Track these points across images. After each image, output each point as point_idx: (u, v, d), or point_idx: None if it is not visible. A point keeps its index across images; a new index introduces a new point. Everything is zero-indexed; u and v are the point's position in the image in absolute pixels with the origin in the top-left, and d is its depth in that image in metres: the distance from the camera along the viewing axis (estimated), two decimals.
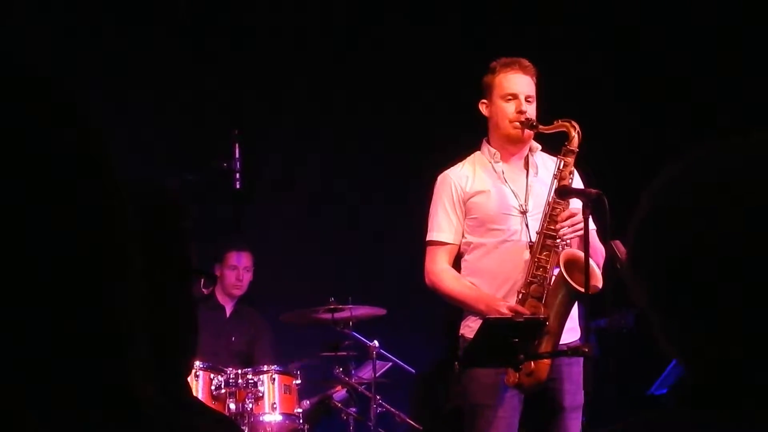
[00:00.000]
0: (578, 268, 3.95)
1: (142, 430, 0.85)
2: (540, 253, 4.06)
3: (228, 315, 6.19)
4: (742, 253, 1.00)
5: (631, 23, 6.66)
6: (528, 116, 4.17)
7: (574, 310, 4.13)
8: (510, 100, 4.21)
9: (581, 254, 3.97)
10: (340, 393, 5.85)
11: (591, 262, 3.84)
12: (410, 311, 6.07)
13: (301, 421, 5.54)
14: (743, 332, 1.00)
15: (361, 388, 5.72)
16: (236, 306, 6.23)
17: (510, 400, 4.05)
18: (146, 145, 6.34)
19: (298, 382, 5.59)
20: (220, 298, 6.19)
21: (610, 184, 4.11)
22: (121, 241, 0.85)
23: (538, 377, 3.99)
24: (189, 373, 1.46)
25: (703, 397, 1.03)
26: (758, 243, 1.00)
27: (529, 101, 4.21)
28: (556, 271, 4.04)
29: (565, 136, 4.12)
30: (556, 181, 4.11)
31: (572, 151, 4.10)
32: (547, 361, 3.98)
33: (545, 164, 4.30)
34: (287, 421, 5.50)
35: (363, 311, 5.76)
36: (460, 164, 4.35)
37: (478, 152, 4.35)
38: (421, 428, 5.79)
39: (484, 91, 4.28)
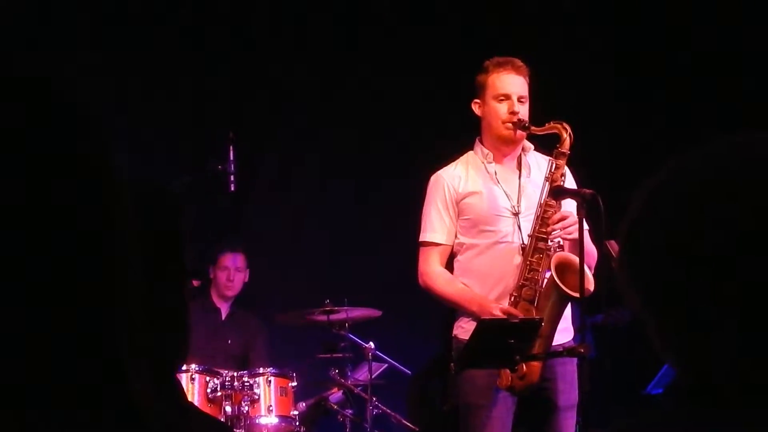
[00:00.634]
0: (570, 271, 3.94)
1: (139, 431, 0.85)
2: (532, 256, 4.05)
3: (223, 317, 6.19)
4: (736, 253, 1.00)
5: (630, 23, 6.66)
6: (520, 117, 4.16)
7: (567, 310, 4.13)
8: (502, 100, 4.20)
9: (573, 258, 3.97)
10: (336, 395, 5.84)
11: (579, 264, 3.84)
12: (406, 313, 6.07)
13: (297, 423, 5.54)
14: (738, 332, 1.00)
15: (357, 390, 5.72)
16: (232, 308, 6.22)
17: (504, 400, 4.05)
18: (142, 147, 6.33)
19: (294, 384, 5.59)
20: (216, 300, 6.19)
21: (604, 184, 4.11)
22: (121, 241, 0.85)
23: (530, 380, 3.98)
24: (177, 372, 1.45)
25: (698, 397, 1.03)
26: (752, 242, 0.99)
27: (521, 102, 4.20)
28: (547, 275, 4.04)
29: (557, 138, 4.11)
30: (547, 183, 4.10)
31: (564, 154, 4.10)
32: (538, 363, 3.98)
33: (538, 164, 4.29)
34: (283, 424, 5.50)
35: (359, 313, 5.76)
36: (453, 164, 4.34)
37: (471, 152, 4.35)
38: (417, 429, 5.79)
39: (477, 90, 4.28)
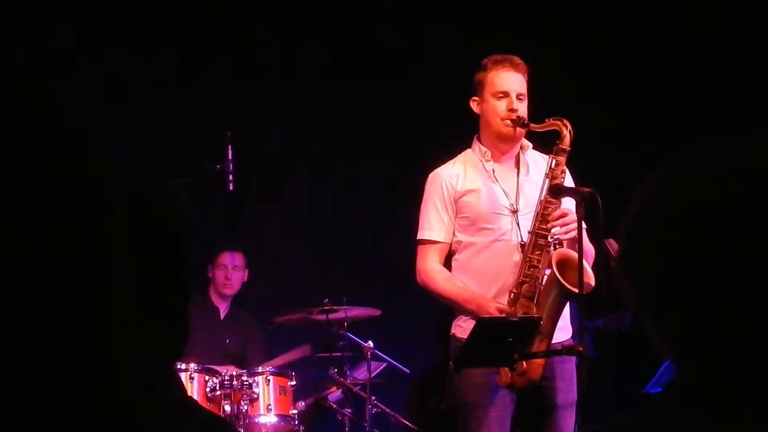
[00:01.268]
0: (571, 267, 3.94)
1: (137, 430, 0.85)
2: (532, 253, 4.05)
3: (222, 317, 6.19)
4: (738, 252, 1.00)
5: (630, 24, 6.66)
6: (519, 114, 4.16)
7: (566, 309, 4.13)
8: (501, 97, 4.19)
9: (573, 254, 3.97)
10: (335, 394, 5.85)
11: (583, 261, 3.84)
12: (405, 312, 6.08)
13: (296, 422, 5.54)
14: (738, 332, 1.00)
15: (356, 389, 5.72)
16: (230, 308, 6.23)
17: (502, 399, 4.04)
18: (139, 147, 6.33)
19: (293, 383, 5.59)
20: (214, 299, 6.19)
21: (604, 182, 4.11)
22: (118, 243, 0.85)
23: (531, 377, 3.98)
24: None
25: (695, 396, 1.03)
26: (753, 242, 0.99)
27: (520, 99, 4.19)
28: (548, 271, 4.04)
29: (556, 135, 4.11)
30: (547, 180, 4.10)
31: (564, 150, 4.09)
32: (540, 361, 3.97)
33: (536, 162, 4.29)
34: (282, 423, 5.50)
35: (357, 312, 5.76)
36: (450, 162, 4.34)
37: (469, 150, 4.34)
38: (416, 428, 5.79)
39: (475, 88, 4.27)
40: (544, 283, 4.02)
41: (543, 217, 4.06)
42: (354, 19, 6.89)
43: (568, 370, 4.10)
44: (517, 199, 4.19)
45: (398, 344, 6.19)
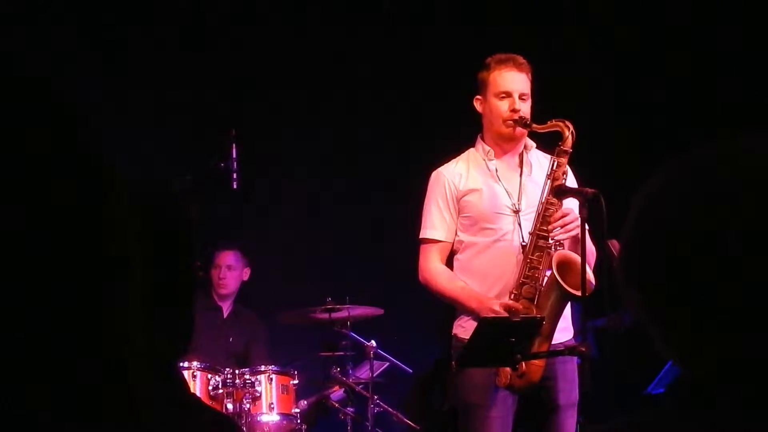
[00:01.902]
0: (571, 270, 3.93)
1: (140, 430, 0.85)
2: (532, 254, 4.04)
3: (225, 316, 6.19)
4: (739, 254, 1.00)
5: (632, 23, 6.66)
6: (522, 114, 4.15)
7: (567, 309, 4.12)
8: (504, 98, 4.18)
9: (574, 256, 3.96)
10: (337, 393, 5.85)
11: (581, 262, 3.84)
12: (407, 311, 6.07)
13: (298, 421, 5.54)
14: (740, 333, 1.01)
15: (359, 388, 5.72)
16: (233, 307, 6.23)
17: (504, 399, 4.03)
18: (144, 145, 6.34)
19: (296, 382, 5.59)
20: (216, 299, 6.20)
21: (606, 183, 4.10)
22: (121, 242, 0.85)
23: (530, 379, 3.97)
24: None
25: (698, 397, 1.03)
26: (754, 244, 1.00)
27: (523, 99, 4.18)
28: (548, 273, 4.03)
29: (559, 136, 4.10)
30: (549, 181, 4.09)
31: (566, 152, 4.08)
32: (539, 363, 3.96)
33: (540, 162, 4.27)
34: (285, 422, 5.50)
35: (360, 311, 5.76)
36: (453, 161, 4.33)
37: (472, 149, 4.33)
38: (419, 428, 5.79)
39: (479, 87, 4.26)
40: (544, 284, 4.02)
41: (544, 218, 4.05)
42: (356, 15, 6.90)
43: (569, 370, 4.10)
44: (519, 199, 4.18)
45: (401, 344, 6.18)
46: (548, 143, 4.24)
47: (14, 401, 0.79)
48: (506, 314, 3.95)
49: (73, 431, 0.81)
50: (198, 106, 6.64)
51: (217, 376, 5.39)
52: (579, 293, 3.86)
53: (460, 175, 4.25)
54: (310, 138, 6.95)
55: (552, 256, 4.00)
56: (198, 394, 5.23)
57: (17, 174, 0.80)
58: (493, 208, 4.17)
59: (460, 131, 4.45)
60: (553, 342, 4.00)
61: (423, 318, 6.07)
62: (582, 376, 4.01)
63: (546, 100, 4.31)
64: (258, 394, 5.44)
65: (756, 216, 1.00)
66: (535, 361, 3.94)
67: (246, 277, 6.26)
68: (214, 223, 6.36)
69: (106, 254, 0.84)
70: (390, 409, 5.70)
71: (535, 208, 4.10)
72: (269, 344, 6.17)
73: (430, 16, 6.87)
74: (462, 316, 4.20)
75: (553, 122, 4.10)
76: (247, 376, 5.43)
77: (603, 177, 4.40)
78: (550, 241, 4.04)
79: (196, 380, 5.31)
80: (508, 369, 3.94)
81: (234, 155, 5.38)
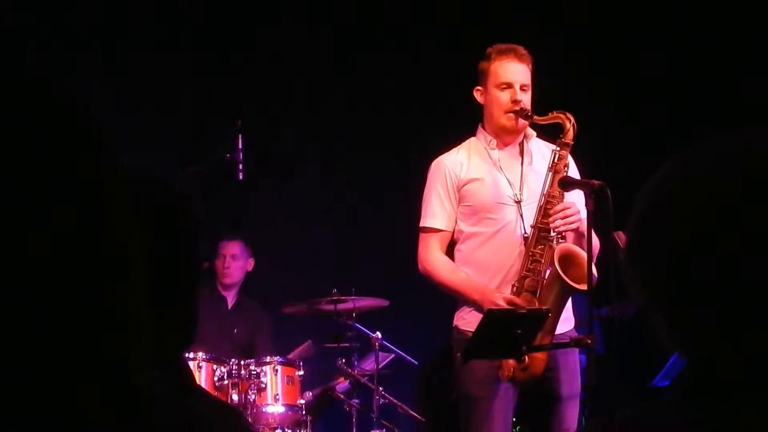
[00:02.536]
0: (573, 263, 3.92)
1: (145, 422, 0.85)
2: (534, 247, 4.02)
3: (229, 306, 6.20)
4: (741, 251, 1.00)
5: (632, 23, 6.65)
6: (522, 106, 4.13)
7: (568, 300, 4.11)
8: (505, 88, 4.16)
9: (576, 249, 3.96)
10: (342, 384, 5.85)
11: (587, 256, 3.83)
12: (413, 303, 6.07)
13: (303, 412, 5.55)
14: (742, 329, 1.00)
15: (364, 380, 5.73)
16: (237, 297, 6.24)
17: (505, 392, 4.02)
18: (149, 136, 6.34)
19: (301, 373, 5.60)
20: (221, 289, 6.20)
21: (612, 174, 4.09)
22: (122, 239, 0.85)
23: (533, 372, 3.96)
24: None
25: (703, 390, 1.03)
26: (757, 240, 0.99)
27: (524, 90, 4.16)
28: (550, 266, 4.02)
29: (560, 128, 4.09)
30: (551, 174, 4.07)
31: (567, 144, 4.06)
32: (542, 356, 3.96)
33: (541, 151, 4.26)
34: (290, 412, 5.51)
35: (366, 302, 5.76)
36: (455, 150, 4.30)
37: (473, 138, 4.31)
38: (424, 420, 5.80)
39: (479, 77, 4.24)
40: (546, 278, 4.01)
41: (546, 211, 4.03)
42: (356, 17, 6.90)
43: (571, 361, 4.10)
44: (521, 189, 4.16)
45: (406, 335, 6.18)
46: (550, 134, 4.23)
47: (16, 402, 0.79)
48: (508, 307, 3.94)
49: (78, 422, 0.80)
50: (204, 97, 6.64)
51: (222, 367, 5.40)
52: (581, 287, 3.85)
53: (461, 164, 4.23)
54: (316, 129, 6.94)
55: (554, 250, 3.99)
56: (203, 385, 5.24)
57: (16, 174, 0.80)
58: (495, 198, 4.15)
59: (465, 120, 4.44)
60: (555, 334, 4.00)
61: (428, 309, 6.07)
62: (588, 368, 4.00)
63: (548, 95, 4.30)
64: (263, 385, 5.45)
65: (757, 212, 1.00)
66: (538, 354, 3.93)
67: (250, 268, 6.26)
68: (219, 213, 6.37)
69: (107, 252, 0.83)
70: (395, 400, 5.71)
71: (537, 199, 4.09)
72: (274, 335, 6.17)
73: (432, 16, 6.85)
74: (463, 307, 4.18)
75: (555, 114, 4.08)
76: (253, 367, 5.44)
77: (607, 168, 4.40)
78: (552, 234, 4.03)
79: (202, 371, 5.32)
80: (511, 362, 3.93)
81: (240, 146, 5.38)
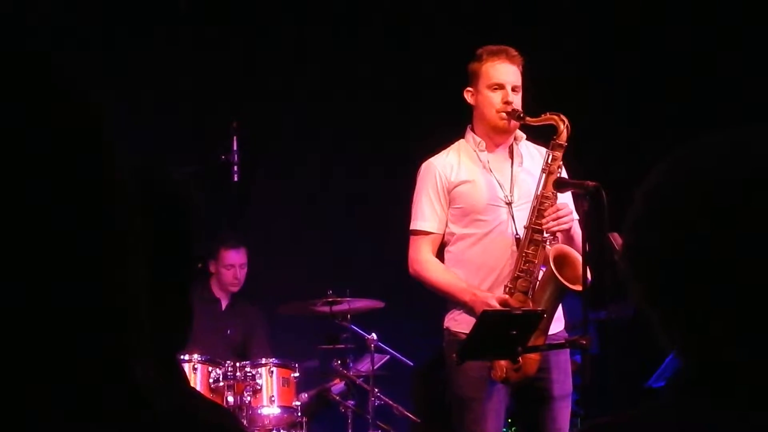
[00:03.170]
0: (567, 263, 3.93)
1: (144, 418, 0.85)
2: (527, 248, 4.02)
3: (223, 308, 6.19)
4: (735, 254, 1.00)
5: (631, 23, 6.65)
6: (514, 107, 4.14)
7: None
8: (496, 89, 4.16)
9: (570, 250, 3.96)
10: (338, 386, 5.85)
11: (580, 257, 3.83)
12: (408, 304, 6.07)
13: (299, 413, 5.55)
14: (736, 331, 1.00)
15: (360, 381, 5.73)
16: (231, 299, 6.23)
17: (498, 392, 4.02)
18: (144, 137, 6.34)
19: (297, 374, 5.60)
20: (216, 292, 6.19)
21: (607, 175, 4.10)
22: (121, 238, 0.84)
23: (526, 372, 3.95)
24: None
25: (699, 390, 1.03)
26: (751, 243, 0.99)
27: (515, 91, 4.16)
28: (543, 268, 4.02)
29: (552, 129, 4.08)
30: (545, 175, 4.07)
31: (560, 145, 4.05)
32: (535, 356, 3.95)
33: (530, 154, 4.26)
34: (285, 414, 5.51)
35: (361, 304, 5.76)
36: (444, 152, 4.30)
37: (462, 140, 4.30)
38: (419, 421, 5.80)
39: (470, 78, 4.24)
40: (540, 278, 4.01)
41: (539, 212, 4.03)
42: (357, 17, 6.91)
43: (563, 361, 4.10)
44: (511, 191, 4.16)
45: (402, 336, 6.18)
46: (540, 137, 4.23)
47: (14, 401, 0.78)
48: (502, 308, 3.94)
49: (77, 418, 0.80)
50: (199, 99, 6.64)
51: (217, 369, 5.39)
52: (576, 287, 3.85)
53: (451, 167, 4.22)
54: (311, 131, 6.94)
55: (547, 251, 3.99)
56: (199, 386, 5.24)
57: (17, 167, 0.79)
58: (486, 199, 4.15)
59: (453, 122, 4.43)
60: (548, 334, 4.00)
61: (424, 311, 6.07)
62: (583, 369, 4.00)
63: (541, 95, 4.30)
64: (259, 387, 5.44)
65: (755, 214, 0.99)
66: (531, 354, 3.93)
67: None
68: (214, 215, 6.36)
69: (107, 247, 0.83)
70: (391, 401, 5.70)
71: (528, 200, 4.09)
72: (269, 336, 6.17)
73: (432, 17, 6.85)
74: (454, 309, 4.17)
75: (548, 115, 4.07)
76: (248, 369, 5.44)
77: (602, 169, 4.40)
78: (545, 235, 4.03)
79: (197, 373, 5.32)
80: (503, 362, 3.93)
81: (235, 148, 5.38)
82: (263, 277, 6.36)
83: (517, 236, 4.08)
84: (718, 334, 1.01)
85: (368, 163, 6.87)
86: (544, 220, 4.01)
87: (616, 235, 3.66)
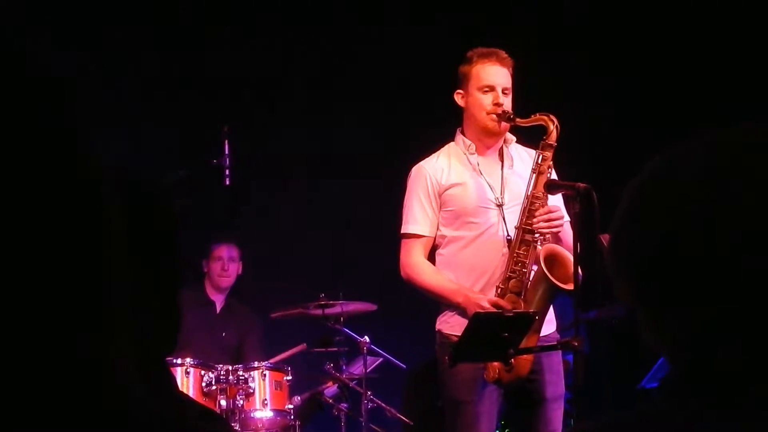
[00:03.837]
0: (558, 263, 3.93)
1: (125, 423, 0.84)
2: (518, 248, 4.02)
3: (218, 311, 6.19)
4: (724, 253, 0.99)
5: (629, 23, 6.67)
6: (505, 109, 4.14)
7: None
8: (487, 91, 4.17)
9: (561, 250, 3.97)
10: (331, 389, 5.85)
11: (571, 256, 3.83)
12: (401, 307, 6.07)
13: (292, 417, 5.54)
14: (716, 332, 1.00)
15: (352, 384, 5.73)
16: (226, 301, 6.23)
17: (490, 394, 4.02)
18: (137, 141, 6.34)
19: (289, 378, 5.60)
20: (210, 293, 6.19)
21: (597, 176, 4.10)
22: (103, 238, 0.84)
23: (518, 374, 3.95)
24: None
25: (690, 391, 1.03)
26: (745, 239, 0.99)
27: (505, 93, 4.17)
28: (535, 267, 4.02)
29: (542, 130, 4.09)
30: (535, 175, 4.08)
31: (550, 146, 4.06)
32: (528, 357, 3.95)
33: (520, 156, 4.26)
34: (278, 417, 5.50)
35: (354, 307, 5.76)
36: (434, 156, 4.30)
37: (452, 143, 4.31)
38: (412, 423, 5.79)
39: (460, 81, 4.24)
40: (531, 278, 4.01)
41: (530, 212, 4.03)
42: (355, 18, 6.91)
43: (555, 362, 4.10)
44: (502, 193, 4.16)
45: (394, 339, 6.18)
46: (529, 139, 4.23)
47: (4, 407, 0.78)
48: (494, 310, 3.94)
49: (64, 422, 0.80)
50: (191, 103, 6.63)
51: (210, 373, 5.39)
52: (567, 286, 3.86)
53: (442, 170, 4.23)
54: (303, 134, 6.94)
55: (538, 251, 3.99)
56: (191, 390, 5.24)
57: (15, 174, 0.79)
58: (477, 202, 4.15)
59: (451, 126, 4.43)
60: (540, 335, 4.00)
61: (416, 313, 6.07)
62: (576, 371, 4.00)
63: (531, 96, 4.30)
64: (251, 390, 5.44)
65: (742, 213, 0.99)
66: (523, 355, 3.93)
67: (240, 272, 6.27)
68: (206, 219, 6.36)
69: (102, 255, 0.82)
70: (383, 404, 5.70)
71: (518, 201, 4.10)
72: (262, 338, 6.17)
73: (432, 17, 6.85)
74: (446, 311, 4.17)
75: (537, 116, 4.08)
76: (241, 373, 5.44)
77: (592, 170, 4.40)
78: (536, 236, 4.03)
79: (190, 377, 5.31)
80: (496, 364, 3.93)
81: (227, 151, 5.38)
82: (256, 280, 6.36)
83: (509, 237, 4.08)
84: (702, 332, 1.01)
85: (360, 166, 6.87)
86: (534, 220, 4.02)
87: (606, 236, 3.66)
